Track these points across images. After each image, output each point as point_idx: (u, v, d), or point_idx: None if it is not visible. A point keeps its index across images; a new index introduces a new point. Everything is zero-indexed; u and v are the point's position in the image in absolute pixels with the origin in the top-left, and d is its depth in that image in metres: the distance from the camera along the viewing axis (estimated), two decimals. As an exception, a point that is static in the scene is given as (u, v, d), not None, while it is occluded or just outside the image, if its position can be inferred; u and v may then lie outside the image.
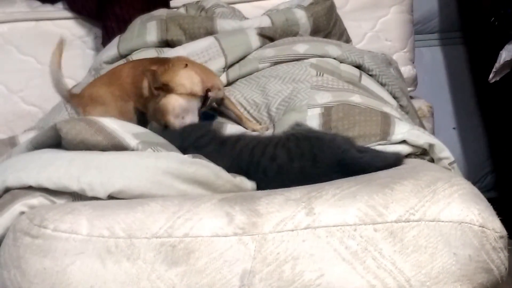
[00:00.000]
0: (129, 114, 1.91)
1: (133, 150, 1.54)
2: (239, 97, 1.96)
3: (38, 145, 1.60)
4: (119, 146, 1.53)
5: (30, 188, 1.45)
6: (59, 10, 2.51)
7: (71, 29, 2.49)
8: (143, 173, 1.44)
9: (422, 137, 1.65)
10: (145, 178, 1.43)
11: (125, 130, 1.57)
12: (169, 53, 2.10)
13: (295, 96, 1.87)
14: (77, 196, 1.44)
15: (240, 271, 1.24)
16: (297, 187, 1.39)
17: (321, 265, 1.23)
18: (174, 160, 1.49)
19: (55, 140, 1.57)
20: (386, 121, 1.71)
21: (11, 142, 1.95)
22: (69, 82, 2.28)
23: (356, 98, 1.82)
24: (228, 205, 1.30)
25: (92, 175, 1.44)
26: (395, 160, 1.53)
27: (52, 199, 1.44)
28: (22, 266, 1.27)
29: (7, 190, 1.47)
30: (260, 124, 1.91)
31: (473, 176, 2.95)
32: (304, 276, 1.23)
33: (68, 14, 2.50)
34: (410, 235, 1.24)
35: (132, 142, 1.54)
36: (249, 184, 1.52)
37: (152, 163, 1.47)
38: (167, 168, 1.46)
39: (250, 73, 2.03)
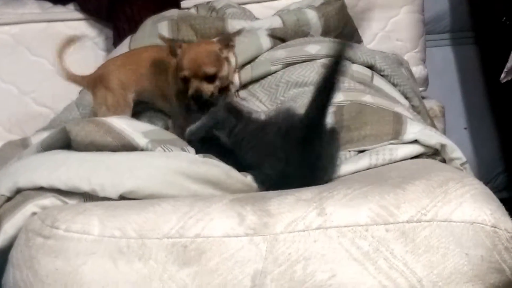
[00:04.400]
0: (126, 104, 1.95)
1: (142, 149, 1.54)
2: (258, 104, 1.97)
3: (48, 147, 1.61)
4: (128, 146, 1.54)
5: (41, 188, 1.46)
6: (70, 11, 2.52)
7: (82, 30, 2.49)
8: (154, 173, 1.44)
9: (434, 137, 1.64)
10: (156, 178, 1.44)
11: (134, 129, 1.58)
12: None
13: (306, 95, 1.87)
14: (88, 197, 1.45)
15: (252, 272, 1.24)
16: (308, 187, 1.39)
17: (333, 266, 1.23)
18: (185, 160, 1.50)
19: (64, 142, 1.58)
20: (398, 120, 1.70)
21: (24, 144, 1.96)
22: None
23: (368, 98, 1.81)
24: (239, 205, 1.30)
25: (103, 176, 1.45)
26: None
27: (64, 200, 1.45)
28: (34, 266, 1.27)
29: (19, 191, 1.48)
30: None
31: (485, 176, 2.93)
32: (316, 276, 1.23)
33: (79, 15, 2.50)
34: (422, 236, 1.24)
35: (141, 141, 1.55)
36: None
37: (163, 163, 1.47)
38: (178, 168, 1.46)
39: (263, 76, 2.03)
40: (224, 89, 1.88)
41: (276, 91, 1.96)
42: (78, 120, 1.83)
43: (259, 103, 1.96)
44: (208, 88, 1.82)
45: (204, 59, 1.83)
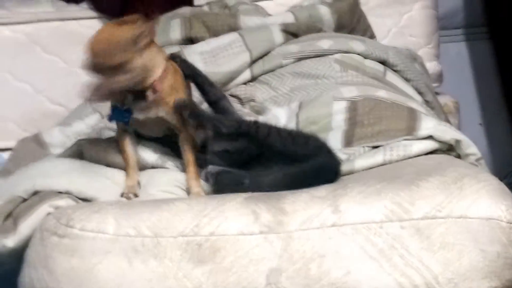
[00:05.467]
0: None
1: (152, 166, 1.60)
2: (263, 91, 1.96)
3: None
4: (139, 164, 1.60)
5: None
6: (83, 9, 2.52)
7: (95, 29, 2.47)
8: (167, 189, 1.49)
9: (448, 133, 1.64)
10: (173, 185, 1.46)
11: (144, 146, 1.63)
12: (192, 49, 2.11)
13: (319, 89, 1.86)
14: None
15: (267, 269, 1.24)
16: (322, 185, 1.38)
17: (348, 263, 1.23)
18: None
19: (79, 155, 1.63)
20: (412, 116, 1.70)
21: (36, 140, 1.97)
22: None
23: (382, 93, 1.81)
24: (254, 203, 1.30)
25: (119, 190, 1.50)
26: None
27: (79, 202, 1.46)
28: (49, 265, 1.28)
29: (35, 193, 1.49)
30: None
31: (500, 172, 2.91)
32: (331, 273, 1.23)
33: (92, 13, 2.51)
34: (437, 232, 1.24)
35: (150, 158, 1.60)
36: None
37: (179, 175, 1.53)
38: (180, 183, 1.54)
39: (274, 69, 2.03)
40: (140, 94, 1.53)
41: (284, 77, 1.96)
42: (92, 139, 1.83)
43: (269, 89, 1.96)
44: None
45: (100, 47, 1.49)
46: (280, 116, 1.81)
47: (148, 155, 1.62)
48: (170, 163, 1.62)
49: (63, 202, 1.43)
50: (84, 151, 1.60)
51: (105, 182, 1.50)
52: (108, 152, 1.59)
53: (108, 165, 1.59)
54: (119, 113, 1.57)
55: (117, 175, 1.54)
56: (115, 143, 1.61)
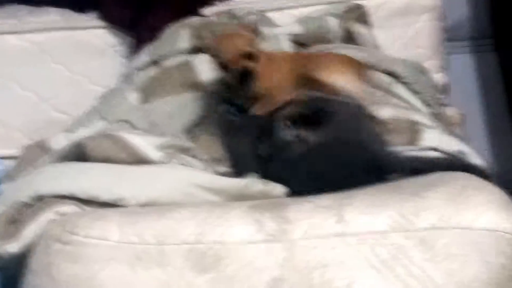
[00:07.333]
0: None
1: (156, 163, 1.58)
2: None
3: (62, 159, 1.64)
4: (143, 161, 1.57)
5: (62, 197, 1.47)
6: (93, 19, 2.53)
7: (104, 38, 2.50)
8: (175, 185, 1.46)
9: (453, 145, 1.64)
10: (177, 190, 1.45)
11: (149, 143, 1.61)
12: (201, 59, 2.11)
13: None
14: (107, 206, 1.46)
15: (269, 279, 1.24)
16: (326, 194, 1.38)
17: (351, 273, 1.23)
18: (206, 173, 1.53)
19: (79, 156, 1.61)
20: (413, 128, 1.70)
21: (41, 145, 1.97)
22: (100, 91, 2.30)
23: (385, 112, 1.81)
24: (258, 212, 1.30)
25: (123, 187, 1.47)
26: (432, 165, 1.51)
27: (84, 208, 1.46)
28: (52, 272, 1.28)
29: (40, 199, 1.49)
30: None
31: (506, 184, 2.91)
32: (334, 283, 1.23)
33: (101, 23, 2.51)
34: (441, 243, 1.24)
35: (154, 156, 1.58)
36: (282, 191, 1.52)
37: (185, 176, 1.50)
38: (200, 181, 1.49)
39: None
40: None
41: None
42: (95, 136, 1.84)
43: None
44: None
45: None
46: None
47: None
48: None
49: (68, 208, 1.43)
50: (88, 150, 1.60)
51: (110, 179, 1.50)
52: (114, 149, 1.59)
53: (115, 161, 1.58)
54: None
55: (123, 170, 1.53)
56: (120, 139, 1.61)
